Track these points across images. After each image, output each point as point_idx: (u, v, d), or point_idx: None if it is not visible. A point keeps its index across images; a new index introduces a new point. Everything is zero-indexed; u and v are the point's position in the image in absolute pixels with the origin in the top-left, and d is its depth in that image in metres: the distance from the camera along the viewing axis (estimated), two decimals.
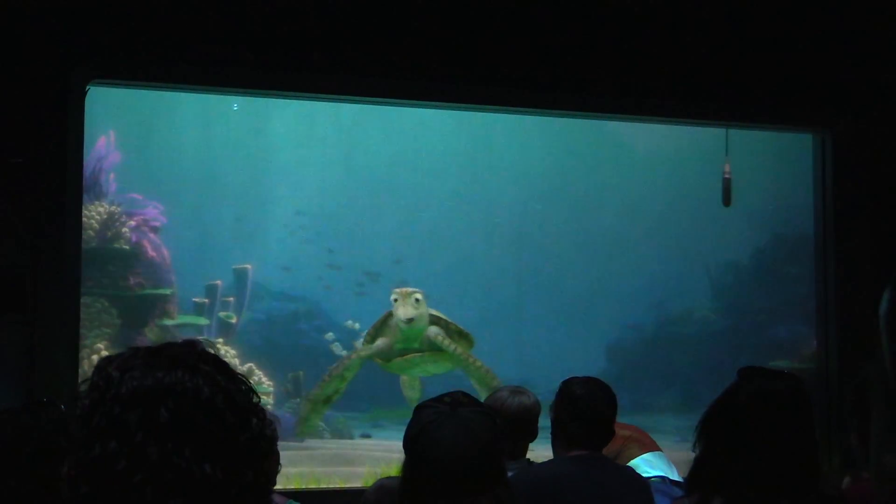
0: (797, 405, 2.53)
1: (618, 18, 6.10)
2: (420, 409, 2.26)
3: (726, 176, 6.87)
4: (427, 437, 2.18)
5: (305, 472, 7.41)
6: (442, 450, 2.16)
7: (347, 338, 9.03)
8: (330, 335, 9.40)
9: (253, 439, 1.49)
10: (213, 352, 1.55)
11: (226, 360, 1.58)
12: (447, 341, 7.72)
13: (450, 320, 7.97)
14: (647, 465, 4.07)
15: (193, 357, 1.50)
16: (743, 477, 2.43)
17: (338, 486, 7.20)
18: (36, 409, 2.96)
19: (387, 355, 7.82)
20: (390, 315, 7.78)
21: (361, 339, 8.33)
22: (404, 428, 2.25)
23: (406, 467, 2.23)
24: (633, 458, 4.09)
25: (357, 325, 8.80)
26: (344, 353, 8.93)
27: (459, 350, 7.71)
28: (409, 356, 7.80)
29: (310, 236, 9.53)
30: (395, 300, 7.62)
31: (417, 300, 7.60)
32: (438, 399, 2.28)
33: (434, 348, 7.78)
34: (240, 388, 1.51)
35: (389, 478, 3.52)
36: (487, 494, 2.17)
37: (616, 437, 3.74)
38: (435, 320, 7.84)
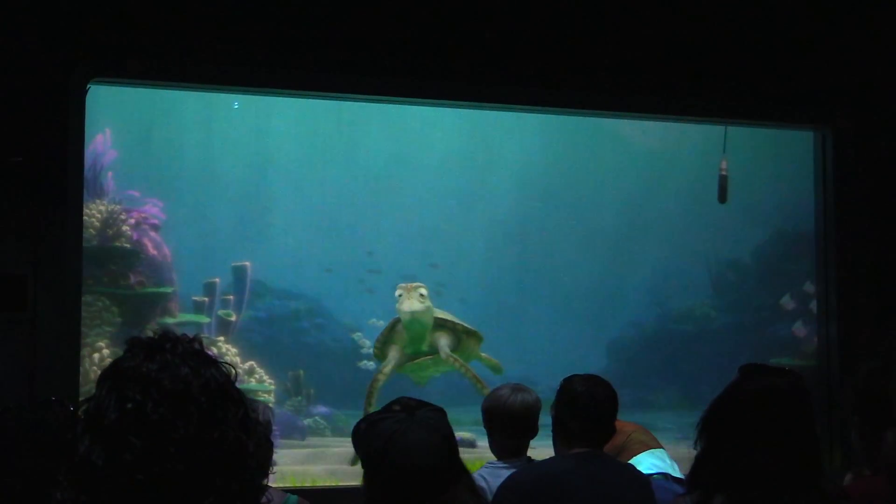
0: (798, 402, 2.53)
1: (618, 15, 6.10)
2: (374, 423, 2.29)
3: (723, 173, 6.87)
4: (397, 446, 2.21)
5: (309, 470, 7.41)
6: (417, 454, 2.20)
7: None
8: (358, 334, 9.44)
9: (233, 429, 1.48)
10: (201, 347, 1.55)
11: (225, 357, 1.58)
12: (453, 360, 7.71)
13: (457, 321, 7.94)
14: (649, 463, 4.07)
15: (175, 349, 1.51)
16: (744, 474, 2.43)
17: (341, 484, 7.21)
18: (43, 406, 2.96)
19: (400, 363, 7.82)
20: (398, 321, 7.76)
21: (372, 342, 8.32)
22: None
23: (376, 481, 2.25)
24: (634, 456, 4.09)
25: (382, 324, 8.81)
26: (371, 350, 9.01)
27: (469, 373, 7.70)
28: (419, 360, 7.79)
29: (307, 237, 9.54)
30: (400, 295, 7.59)
31: (422, 294, 7.57)
32: (387, 409, 2.32)
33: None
34: (218, 378, 1.51)
35: None
36: (460, 484, 2.26)
37: (618, 435, 3.74)
38: (441, 322, 7.82)
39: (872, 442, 2.81)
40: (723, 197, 6.90)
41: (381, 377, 7.65)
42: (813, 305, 7.83)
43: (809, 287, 9.14)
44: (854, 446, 2.90)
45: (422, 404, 2.34)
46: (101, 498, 1.41)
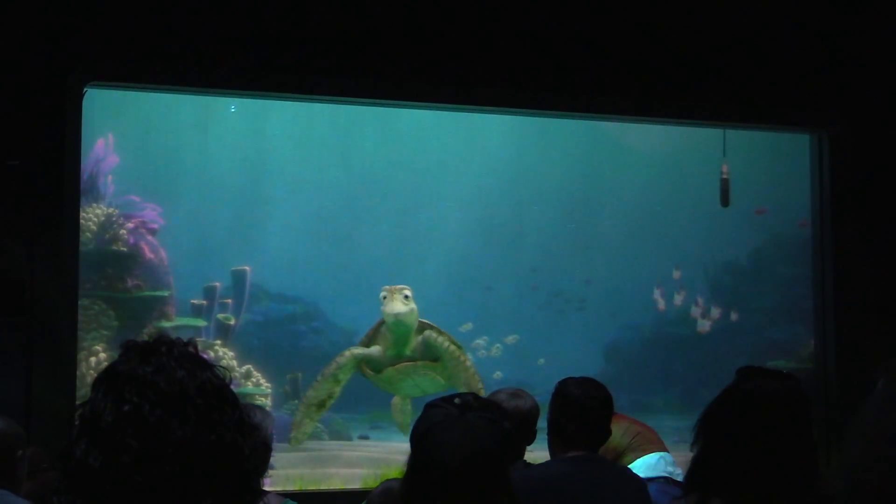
0: (795, 405, 2.53)
1: (616, 19, 6.10)
2: (430, 407, 2.25)
3: (724, 177, 6.87)
4: (433, 437, 2.17)
5: (305, 473, 7.41)
6: (446, 453, 2.15)
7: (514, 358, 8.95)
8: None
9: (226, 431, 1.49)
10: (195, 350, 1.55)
11: (222, 361, 1.58)
12: (441, 338, 7.59)
13: (441, 330, 7.84)
14: (655, 465, 4.08)
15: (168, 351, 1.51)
16: (741, 477, 2.43)
17: (337, 487, 7.20)
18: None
19: (379, 364, 7.67)
20: (381, 324, 7.68)
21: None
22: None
23: (410, 465, 2.23)
24: (641, 455, 4.10)
25: (516, 338, 8.71)
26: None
27: (453, 347, 7.59)
28: (400, 365, 7.66)
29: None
30: (384, 297, 7.52)
31: (406, 296, 7.52)
32: (449, 399, 2.25)
33: (427, 357, 7.63)
34: (214, 380, 1.52)
35: (395, 479, 3.50)
36: (487, 502, 2.15)
37: (627, 432, 3.73)
38: (426, 327, 7.74)
39: None
40: (725, 200, 6.90)
41: (349, 356, 7.52)
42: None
43: (675, 273, 9.36)
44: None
45: (482, 408, 2.24)
46: (99, 500, 1.41)
